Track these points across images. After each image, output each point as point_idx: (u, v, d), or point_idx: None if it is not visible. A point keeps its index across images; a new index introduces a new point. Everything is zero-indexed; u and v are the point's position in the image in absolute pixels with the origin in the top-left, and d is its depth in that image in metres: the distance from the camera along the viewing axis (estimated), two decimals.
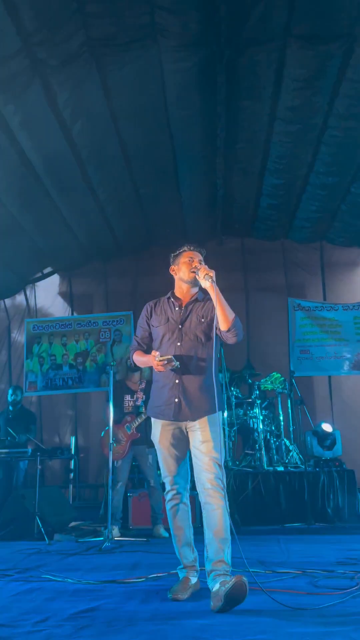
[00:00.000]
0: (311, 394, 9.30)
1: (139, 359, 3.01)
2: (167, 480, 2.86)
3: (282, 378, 6.99)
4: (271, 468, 6.14)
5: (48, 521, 5.20)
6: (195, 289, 2.98)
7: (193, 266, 2.90)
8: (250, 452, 6.57)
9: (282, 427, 6.90)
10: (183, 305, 2.96)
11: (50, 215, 7.65)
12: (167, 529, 5.23)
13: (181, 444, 2.82)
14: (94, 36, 4.96)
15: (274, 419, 6.95)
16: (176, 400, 2.78)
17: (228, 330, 2.76)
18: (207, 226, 8.96)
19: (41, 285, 10.18)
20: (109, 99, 5.79)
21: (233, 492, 5.74)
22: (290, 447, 6.79)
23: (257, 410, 6.53)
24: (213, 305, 2.78)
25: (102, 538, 4.73)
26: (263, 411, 6.66)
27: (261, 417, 6.49)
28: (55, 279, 10.13)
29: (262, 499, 5.78)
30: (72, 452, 6.87)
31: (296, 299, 9.25)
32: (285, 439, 6.83)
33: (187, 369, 2.80)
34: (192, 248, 3.01)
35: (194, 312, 2.92)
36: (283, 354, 8.95)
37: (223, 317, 2.74)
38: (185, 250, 3.02)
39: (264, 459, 6.21)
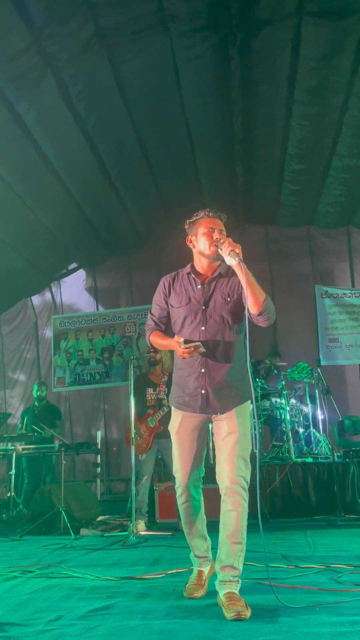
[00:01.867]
0: (343, 383, 9.12)
1: (158, 341, 2.67)
2: (178, 475, 2.60)
3: (309, 368, 6.84)
4: (299, 459, 6.01)
5: (74, 516, 5.23)
6: (218, 262, 2.59)
7: (215, 238, 2.51)
8: (278, 443, 6.46)
9: (310, 417, 6.76)
10: (206, 283, 2.59)
11: (71, 212, 7.66)
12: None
13: (200, 438, 2.58)
14: (103, 27, 4.91)
15: (301, 409, 6.81)
16: (202, 392, 2.50)
17: (260, 314, 2.43)
18: (229, 215, 8.63)
19: (67, 282, 10.27)
20: (122, 90, 5.74)
21: (260, 485, 5.64)
22: (320, 438, 6.65)
23: (283, 400, 6.40)
24: (239, 281, 2.46)
25: (127, 532, 4.71)
26: (290, 402, 6.53)
27: (288, 408, 6.36)
28: (80, 274, 10.20)
29: (290, 491, 5.68)
30: (98, 446, 6.88)
31: (323, 286, 9.06)
32: (314, 430, 6.69)
33: (213, 356, 2.50)
34: (210, 214, 2.59)
35: (219, 290, 2.56)
36: (311, 343, 8.80)
37: (254, 300, 2.39)
38: (202, 217, 2.60)
39: (292, 450, 6.10)
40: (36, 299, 10.31)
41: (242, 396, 2.52)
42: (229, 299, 2.52)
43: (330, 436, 6.63)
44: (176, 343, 2.46)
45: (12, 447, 6.07)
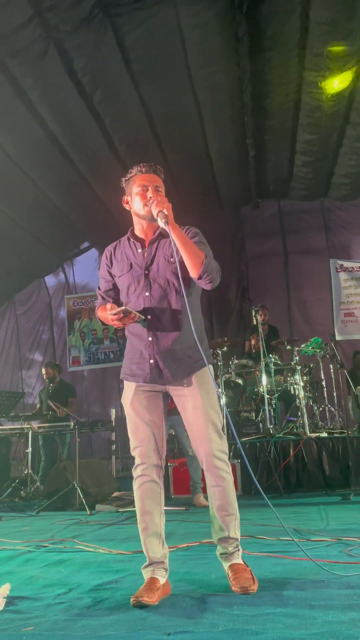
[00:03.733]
0: None
1: (103, 315, 2.39)
2: (136, 452, 2.29)
3: (324, 342, 6.75)
4: (314, 434, 5.98)
5: (89, 492, 5.28)
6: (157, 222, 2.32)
7: (148, 197, 2.30)
8: (292, 419, 6.43)
9: (325, 392, 6.70)
10: (146, 245, 2.38)
11: (80, 189, 7.60)
12: (207, 497, 5.24)
13: (157, 409, 2.32)
14: None
15: (316, 384, 6.76)
16: (152, 361, 2.28)
17: (200, 277, 2.22)
18: (241, 190, 8.71)
19: (80, 261, 10.27)
20: (127, 62, 5.61)
21: (275, 460, 5.66)
22: (335, 413, 6.61)
23: (297, 376, 6.34)
24: None
25: None
26: (304, 377, 6.47)
27: (302, 383, 6.30)
28: (93, 254, 10.17)
29: (305, 466, 5.66)
30: (113, 424, 6.93)
31: (338, 260, 8.94)
32: (328, 404, 6.64)
33: (160, 323, 2.29)
34: (144, 170, 2.38)
35: (160, 251, 2.34)
36: (326, 317, 8.71)
37: (191, 262, 2.20)
38: (136, 174, 2.39)
39: (307, 425, 6.06)
40: (50, 280, 10.34)
41: (196, 364, 2.29)
42: (172, 260, 2.29)
43: (345, 411, 6.58)
44: (108, 312, 2.22)
45: (28, 426, 6.14)
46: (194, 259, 2.21)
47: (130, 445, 2.33)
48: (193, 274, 2.23)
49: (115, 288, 2.47)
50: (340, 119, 6.57)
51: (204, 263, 2.21)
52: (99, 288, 2.55)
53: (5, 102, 5.66)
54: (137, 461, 2.29)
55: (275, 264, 9.23)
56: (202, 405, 2.25)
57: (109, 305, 2.23)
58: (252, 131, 6.99)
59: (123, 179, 2.45)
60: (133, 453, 2.31)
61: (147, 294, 2.32)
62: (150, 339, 2.30)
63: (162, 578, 2.19)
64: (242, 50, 5.53)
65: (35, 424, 6.31)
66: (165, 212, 2.19)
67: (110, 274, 2.47)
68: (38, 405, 7.49)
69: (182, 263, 2.24)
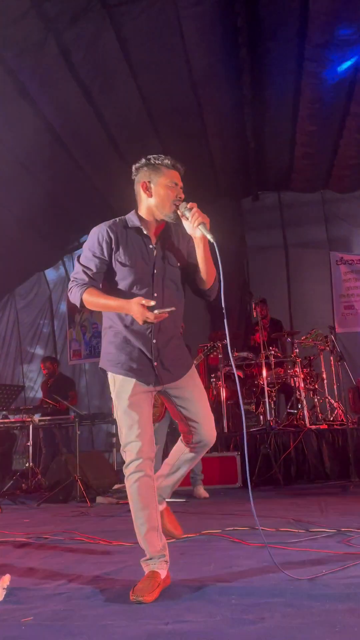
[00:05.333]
0: (358, 349, 9.02)
1: (96, 300, 2.20)
2: (132, 446, 2.18)
3: (324, 335, 6.76)
4: (313, 426, 5.99)
5: (90, 484, 5.30)
6: (165, 220, 2.29)
7: (177, 198, 2.21)
8: (292, 411, 6.45)
9: (325, 384, 6.72)
10: (156, 243, 2.28)
11: (79, 182, 7.57)
12: (208, 490, 5.26)
13: (149, 403, 2.30)
14: None
15: (316, 377, 6.77)
16: (155, 364, 2.23)
17: (207, 290, 2.31)
18: (241, 182, 8.66)
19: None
20: (126, 53, 5.58)
21: (275, 452, 5.68)
22: (334, 405, 6.62)
23: (297, 368, 6.36)
24: (187, 247, 2.30)
25: None
26: (304, 369, 6.48)
27: (302, 376, 6.31)
28: None
29: (304, 458, 5.68)
30: (114, 416, 6.95)
31: (338, 253, 8.92)
32: (328, 396, 6.65)
33: (165, 325, 2.24)
34: (178, 167, 2.27)
35: (168, 252, 2.29)
36: (326, 310, 8.71)
37: (208, 277, 2.27)
38: (167, 167, 2.25)
39: (306, 417, 6.07)
40: (50, 273, 10.30)
41: (190, 361, 2.37)
42: (178, 264, 2.29)
43: (345, 402, 6.59)
44: (138, 305, 2.06)
45: (29, 419, 6.16)
46: (210, 275, 2.28)
47: (123, 440, 2.22)
48: (203, 285, 2.30)
49: (104, 273, 2.26)
50: (340, 109, 6.53)
51: (215, 279, 2.30)
52: (85, 266, 2.24)
53: (3, 94, 5.62)
54: (131, 457, 2.19)
55: (275, 256, 9.21)
56: (202, 399, 2.34)
57: (142, 300, 2.07)
58: (252, 122, 6.95)
59: (145, 161, 2.28)
60: (127, 448, 2.20)
61: (155, 294, 2.22)
62: (154, 341, 2.23)
63: (163, 571, 2.16)
64: (241, 41, 5.48)
65: (36, 417, 6.33)
66: (207, 224, 2.17)
67: (111, 257, 2.23)
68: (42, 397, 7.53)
69: (183, 268, 2.32)
